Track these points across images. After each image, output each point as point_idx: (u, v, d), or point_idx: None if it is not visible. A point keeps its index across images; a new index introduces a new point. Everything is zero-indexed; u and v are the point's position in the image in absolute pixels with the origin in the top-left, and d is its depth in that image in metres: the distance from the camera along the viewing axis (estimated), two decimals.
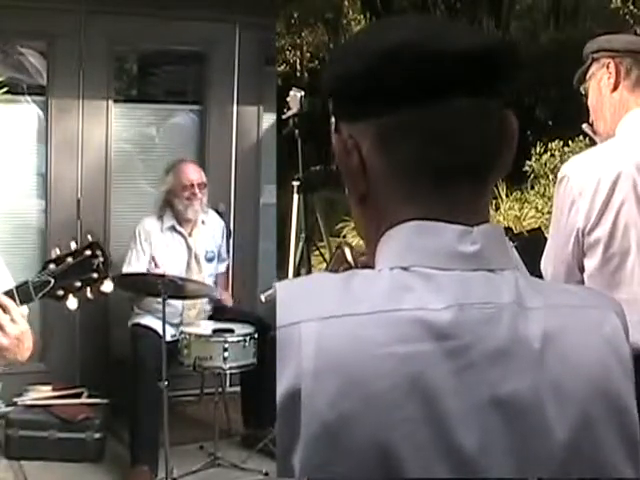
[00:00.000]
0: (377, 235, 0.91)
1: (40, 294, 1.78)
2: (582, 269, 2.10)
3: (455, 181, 0.88)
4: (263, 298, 3.72)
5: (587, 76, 2.26)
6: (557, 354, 0.86)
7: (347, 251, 1.22)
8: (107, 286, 1.85)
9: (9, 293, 1.76)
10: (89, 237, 1.85)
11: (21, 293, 1.77)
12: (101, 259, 1.82)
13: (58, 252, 1.81)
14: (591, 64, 2.23)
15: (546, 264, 2.22)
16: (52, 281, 1.79)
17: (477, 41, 0.87)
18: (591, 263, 2.07)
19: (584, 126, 2.29)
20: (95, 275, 1.82)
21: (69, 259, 1.81)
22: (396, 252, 0.88)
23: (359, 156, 0.90)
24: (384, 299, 0.84)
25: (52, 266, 1.80)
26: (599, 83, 2.20)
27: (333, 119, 0.95)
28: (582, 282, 2.11)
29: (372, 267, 0.91)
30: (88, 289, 1.82)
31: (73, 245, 1.83)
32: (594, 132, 2.27)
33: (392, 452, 0.81)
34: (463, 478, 0.82)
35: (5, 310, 1.73)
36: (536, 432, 0.84)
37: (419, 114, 0.87)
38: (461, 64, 0.85)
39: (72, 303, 1.82)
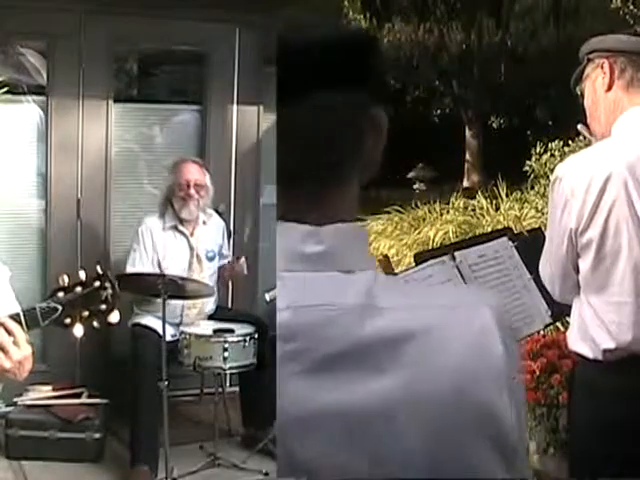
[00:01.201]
0: None
1: (47, 321, 1.80)
2: (577, 270, 2.11)
3: (309, 179, 0.85)
4: (268, 297, 3.73)
5: (583, 77, 2.26)
6: (414, 356, 0.81)
7: None
8: (114, 317, 1.86)
9: (16, 317, 1.78)
10: (98, 268, 1.86)
11: (28, 318, 1.79)
12: (110, 291, 1.84)
13: (67, 280, 1.82)
14: (586, 65, 2.24)
15: (543, 265, 2.23)
16: (60, 309, 1.80)
17: (323, 35, 0.84)
18: (584, 264, 2.07)
19: (579, 127, 2.30)
20: (103, 307, 1.84)
21: (78, 289, 1.82)
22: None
23: None
24: None
25: (61, 294, 1.81)
26: (594, 83, 2.20)
27: None
28: (578, 283, 2.12)
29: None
30: (95, 319, 1.84)
31: (82, 274, 1.84)
32: (590, 132, 2.27)
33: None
34: None
35: (10, 334, 1.75)
36: (385, 439, 0.80)
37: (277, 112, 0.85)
38: (312, 58, 0.82)
39: (78, 331, 1.83)
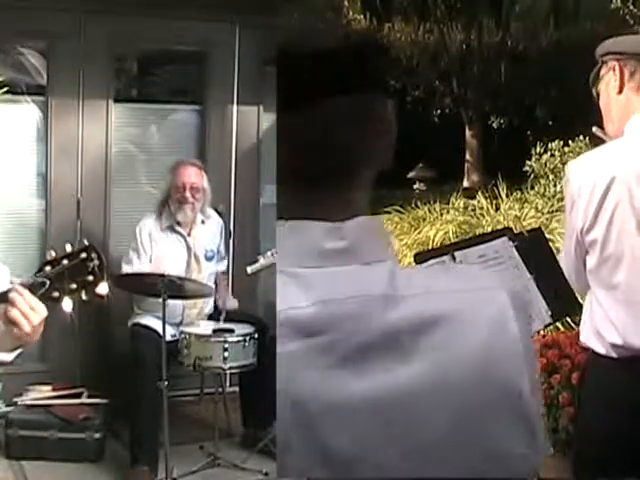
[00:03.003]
0: None
1: (36, 295, 1.80)
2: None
3: (326, 180, 0.88)
4: (249, 270, 3.80)
5: (599, 79, 2.29)
6: (436, 341, 0.85)
7: None
8: (102, 288, 1.87)
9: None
10: (85, 240, 1.87)
11: None
12: (97, 262, 1.84)
13: (54, 254, 1.83)
14: (601, 67, 2.26)
15: (561, 259, 2.26)
16: (47, 283, 1.80)
17: (338, 40, 0.87)
18: (591, 261, 2.11)
19: (594, 129, 2.32)
20: (90, 278, 1.84)
21: (65, 261, 1.82)
22: (280, 255, 0.91)
23: None
24: None
25: (48, 268, 1.81)
26: (607, 86, 2.23)
27: None
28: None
29: None
30: (83, 291, 1.84)
31: (69, 247, 1.84)
32: (604, 134, 2.29)
33: (279, 457, 0.84)
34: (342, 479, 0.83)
35: (26, 300, 1.75)
36: (413, 424, 0.83)
37: (292, 117, 0.86)
38: (328, 64, 0.85)
39: (67, 304, 1.83)
